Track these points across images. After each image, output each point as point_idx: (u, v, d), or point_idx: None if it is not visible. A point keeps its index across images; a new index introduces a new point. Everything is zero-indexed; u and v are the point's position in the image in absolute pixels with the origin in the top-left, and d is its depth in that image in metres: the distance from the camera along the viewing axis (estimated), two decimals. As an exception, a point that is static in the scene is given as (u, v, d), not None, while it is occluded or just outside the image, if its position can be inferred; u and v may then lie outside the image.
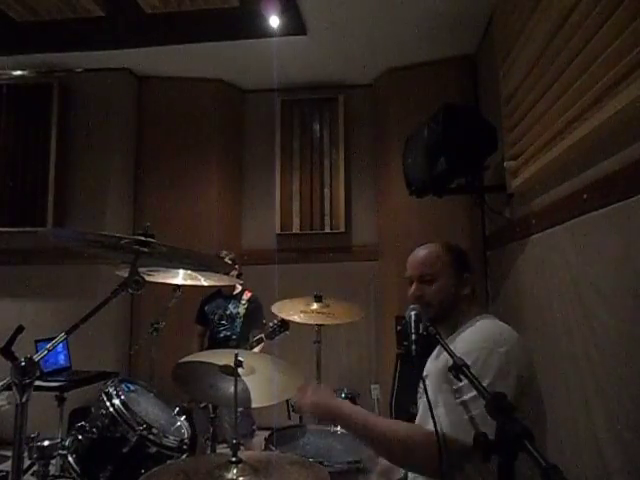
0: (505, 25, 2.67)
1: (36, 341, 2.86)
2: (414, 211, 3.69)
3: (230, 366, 1.59)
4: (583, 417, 1.83)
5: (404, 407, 2.85)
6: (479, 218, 3.62)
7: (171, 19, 3.41)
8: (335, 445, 1.88)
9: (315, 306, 2.71)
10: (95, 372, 3.28)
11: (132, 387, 1.95)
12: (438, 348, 1.40)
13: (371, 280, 4.12)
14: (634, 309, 1.50)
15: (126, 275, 1.23)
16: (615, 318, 1.61)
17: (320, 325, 3.04)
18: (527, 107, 2.33)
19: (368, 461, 1.64)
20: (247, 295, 3.30)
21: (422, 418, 1.33)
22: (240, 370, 1.55)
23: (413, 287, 1.37)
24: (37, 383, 1.01)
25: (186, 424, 1.93)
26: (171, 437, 1.76)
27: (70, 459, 1.68)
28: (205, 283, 2.45)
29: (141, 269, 1.27)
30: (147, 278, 1.28)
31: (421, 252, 1.41)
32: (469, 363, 1.04)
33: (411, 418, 1.45)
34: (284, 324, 2.63)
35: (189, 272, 2.26)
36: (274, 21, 3.32)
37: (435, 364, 1.32)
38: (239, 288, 3.33)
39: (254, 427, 2.99)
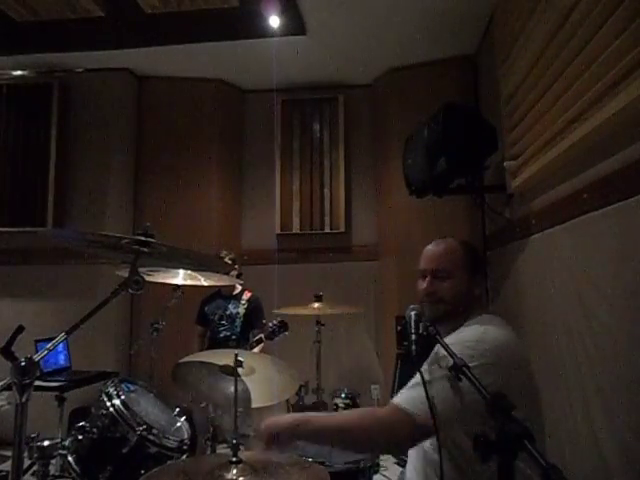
0: (505, 25, 2.67)
1: (36, 341, 2.87)
2: (414, 211, 3.69)
3: (230, 366, 1.59)
4: (583, 417, 1.83)
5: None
6: (479, 218, 3.62)
7: (171, 19, 3.41)
8: (335, 445, 1.87)
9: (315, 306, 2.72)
10: (95, 372, 3.28)
11: (132, 387, 1.95)
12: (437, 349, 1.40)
13: (371, 280, 4.13)
14: (634, 309, 1.50)
15: (126, 275, 1.23)
16: (615, 318, 1.61)
17: (321, 325, 3.05)
18: (527, 107, 2.33)
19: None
20: (247, 295, 3.31)
21: None
22: (240, 370, 1.55)
23: (426, 281, 1.33)
24: (37, 383, 1.01)
25: (186, 424, 1.93)
26: (171, 437, 1.77)
27: (70, 459, 1.68)
28: (205, 283, 2.46)
29: (141, 269, 1.27)
30: (147, 278, 1.28)
31: (439, 247, 1.37)
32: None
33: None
34: (284, 325, 2.63)
35: (189, 272, 2.26)
36: (274, 21, 3.32)
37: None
38: (239, 288, 3.34)
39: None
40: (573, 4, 1.78)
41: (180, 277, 2.31)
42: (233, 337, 3.20)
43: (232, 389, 1.50)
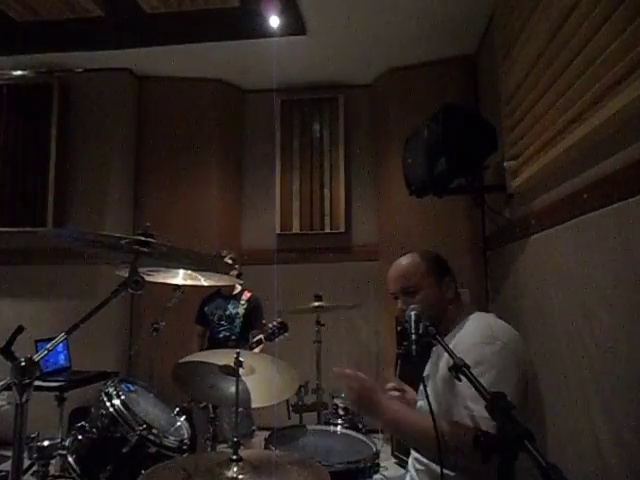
0: (505, 25, 2.67)
1: (36, 341, 2.87)
2: (414, 211, 3.69)
3: (230, 366, 1.59)
4: (583, 417, 1.83)
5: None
6: (479, 218, 3.62)
7: (171, 19, 3.41)
8: (335, 445, 1.88)
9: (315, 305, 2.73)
10: (95, 372, 3.28)
11: (132, 387, 1.95)
12: (437, 350, 1.40)
13: (371, 280, 4.13)
14: (634, 309, 1.50)
15: (126, 275, 1.23)
16: (615, 318, 1.61)
17: (320, 325, 3.05)
18: (527, 107, 2.33)
19: None
20: (247, 295, 3.30)
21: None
22: (240, 370, 1.55)
23: (399, 302, 1.38)
24: (37, 383, 1.01)
25: (186, 424, 1.93)
26: (171, 437, 1.77)
27: (70, 459, 1.68)
28: (205, 283, 2.45)
29: (141, 269, 1.27)
30: (147, 278, 1.28)
31: (398, 266, 1.41)
32: (473, 363, 1.06)
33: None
34: (283, 326, 2.63)
35: (189, 272, 2.26)
36: (274, 21, 3.32)
37: (438, 368, 1.31)
38: (239, 288, 3.33)
39: (254, 427, 2.99)
40: (573, 4, 1.78)
41: (180, 277, 2.30)
42: (233, 337, 3.19)
43: (232, 389, 1.50)
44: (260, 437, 2.80)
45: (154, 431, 1.71)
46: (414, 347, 1.10)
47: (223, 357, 1.72)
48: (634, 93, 1.41)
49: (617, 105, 1.50)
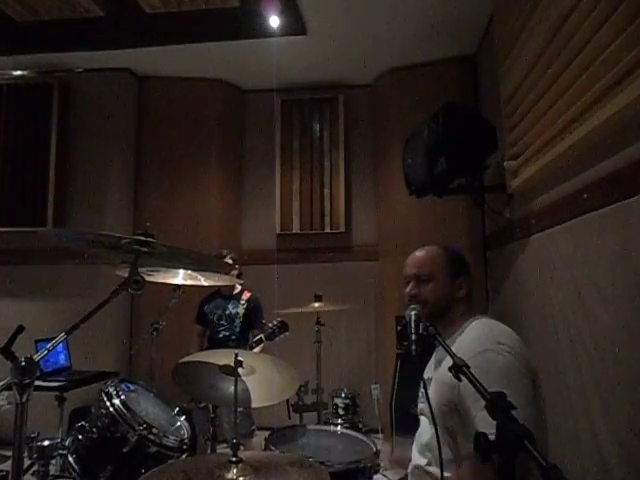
0: (505, 25, 2.67)
1: (36, 341, 2.86)
2: (414, 211, 3.69)
3: (230, 366, 1.59)
4: (583, 417, 1.83)
5: (404, 407, 2.85)
6: (479, 218, 3.62)
7: (171, 19, 3.41)
8: (335, 445, 1.88)
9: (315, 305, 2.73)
10: (95, 372, 3.29)
11: (132, 387, 1.95)
12: (438, 353, 1.40)
13: (371, 281, 4.13)
14: (634, 309, 1.50)
15: (126, 275, 1.23)
16: (615, 318, 1.61)
17: (320, 325, 3.05)
18: (527, 107, 2.33)
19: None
20: (246, 295, 3.30)
21: (425, 425, 1.34)
22: (240, 370, 1.55)
23: (410, 285, 1.40)
24: (37, 383, 1.01)
25: (186, 424, 1.93)
26: (171, 437, 1.76)
27: (70, 459, 1.68)
28: (205, 283, 2.45)
29: (141, 269, 1.27)
30: (147, 278, 1.28)
31: (419, 253, 1.44)
32: (479, 372, 1.06)
33: (410, 418, 1.45)
34: (283, 325, 2.63)
35: (189, 272, 2.26)
36: (274, 21, 3.32)
37: (440, 371, 1.31)
38: (238, 288, 3.33)
39: (253, 427, 2.99)
40: (573, 4, 1.78)
41: (180, 277, 2.31)
42: (232, 337, 3.19)
43: (232, 389, 1.50)
44: (260, 437, 2.80)
45: (154, 431, 1.71)
46: (414, 347, 1.10)
47: (223, 357, 1.72)
48: (634, 93, 1.41)
49: (617, 105, 1.50)
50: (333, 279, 4.06)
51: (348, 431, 2.02)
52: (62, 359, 3.33)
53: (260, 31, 3.45)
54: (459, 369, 0.95)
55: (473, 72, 3.86)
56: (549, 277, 2.19)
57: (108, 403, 1.73)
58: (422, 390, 1.33)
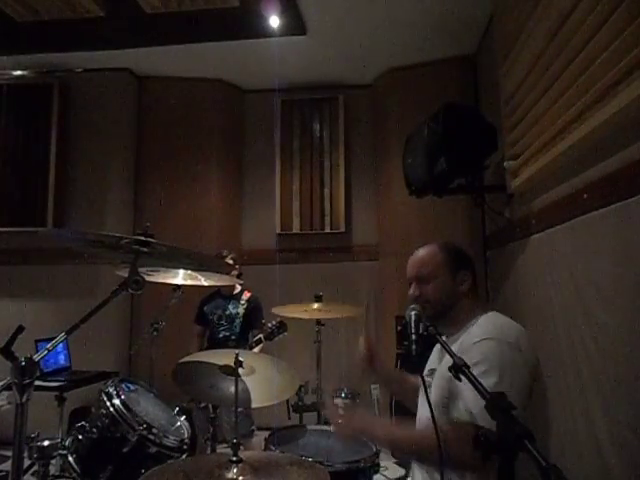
0: (505, 25, 2.67)
1: (36, 341, 2.87)
2: (414, 211, 3.69)
3: (230, 366, 1.59)
4: (583, 417, 1.83)
5: (404, 407, 2.84)
6: (479, 218, 3.62)
7: (171, 19, 3.41)
8: (335, 445, 1.88)
9: (315, 306, 2.72)
10: (95, 372, 3.29)
11: (132, 387, 1.95)
12: (440, 349, 1.40)
13: (371, 280, 4.12)
14: (634, 309, 1.50)
15: (126, 275, 1.23)
16: (615, 318, 1.61)
17: (320, 325, 3.05)
18: (527, 107, 2.33)
19: None
20: (246, 295, 3.30)
21: (422, 416, 1.34)
22: (240, 370, 1.55)
23: (412, 287, 1.41)
24: (37, 383, 1.01)
25: (186, 424, 1.93)
26: (171, 437, 1.76)
27: (70, 459, 1.68)
28: (205, 283, 2.46)
29: (141, 269, 1.27)
30: (147, 278, 1.28)
31: (417, 254, 1.45)
32: (478, 358, 1.10)
33: (410, 417, 1.45)
34: (283, 325, 2.63)
35: (189, 272, 2.26)
36: (274, 21, 3.32)
37: (442, 365, 1.31)
38: (238, 288, 3.33)
39: (253, 427, 2.99)
40: (573, 4, 1.78)
41: (180, 277, 2.31)
42: (232, 337, 3.19)
43: (232, 389, 1.51)
44: (260, 437, 2.80)
45: (154, 431, 1.71)
46: (414, 347, 1.10)
47: (223, 357, 1.72)
48: (634, 93, 1.41)
49: (617, 105, 1.50)
50: (333, 279, 4.06)
51: (348, 431, 2.01)
52: (62, 359, 3.33)
53: (260, 31, 3.45)
54: (459, 369, 0.95)
55: (473, 72, 3.86)
56: (549, 277, 2.19)
57: (108, 403, 1.73)
58: (421, 387, 1.33)
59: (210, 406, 2.00)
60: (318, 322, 3.05)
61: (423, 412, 1.39)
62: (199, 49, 3.74)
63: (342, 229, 4.21)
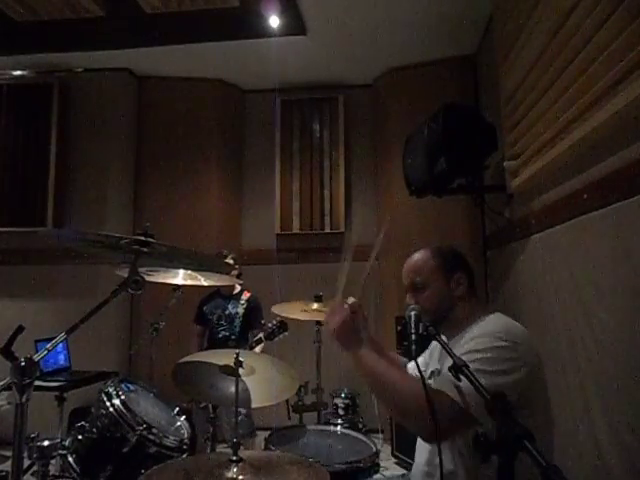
0: (505, 25, 2.67)
1: (36, 341, 2.86)
2: (414, 211, 3.69)
3: (230, 366, 1.59)
4: (583, 417, 1.83)
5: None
6: (479, 218, 3.62)
7: (171, 19, 3.41)
8: (335, 445, 1.88)
9: (315, 306, 2.72)
10: (95, 372, 3.28)
11: (132, 387, 1.95)
12: (440, 349, 1.40)
13: (371, 280, 4.12)
14: (634, 309, 1.50)
15: (126, 275, 1.23)
16: (615, 318, 1.61)
17: (320, 325, 3.04)
18: (527, 107, 2.33)
19: None
20: (246, 295, 3.30)
21: None
22: (240, 370, 1.55)
23: (407, 296, 1.39)
24: (37, 383, 1.01)
25: (186, 424, 1.93)
26: (171, 437, 1.76)
27: (70, 459, 1.68)
28: (205, 283, 2.45)
29: (141, 269, 1.27)
30: (147, 278, 1.28)
31: (410, 261, 1.43)
32: (479, 347, 1.11)
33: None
34: (283, 325, 2.63)
35: (189, 272, 2.26)
36: (274, 21, 3.32)
37: (443, 364, 1.31)
38: (238, 288, 3.33)
39: (253, 427, 2.99)
40: (573, 4, 1.78)
41: (180, 277, 2.31)
42: (232, 337, 3.19)
43: (232, 389, 1.50)
44: (260, 437, 2.80)
45: (154, 431, 1.71)
46: (414, 347, 1.10)
47: (223, 357, 1.72)
48: (634, 93, 1.41)
49: (617, 105, 1.50)
50: (333, 279, 4.04)
51: (348, 431, 2.01)
52: (62, 359, 3.32)
53: (260, 31, 3.45)
54: (459, 369, 0.95)
55: (473, 72, 3.86)
56: (549, 277, 2.19)
57: (108, 403, 1.73)
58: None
59: (210, 406, 2.00)
60: (318, 322, 3.04)
61: None
62: (199, 49, 3.74)
63: (342, 229, 4.20)
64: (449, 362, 1.23)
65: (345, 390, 3.54)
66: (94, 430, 1.72)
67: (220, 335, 3.21)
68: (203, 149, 4.23)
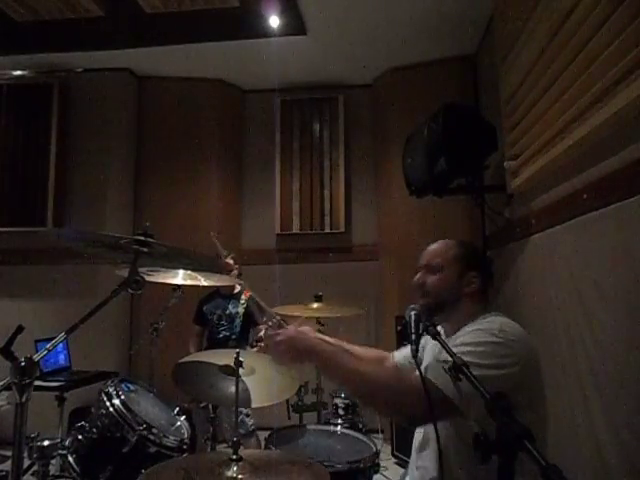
0: (505, 25, 2.67)
1: (36, 341, 2.86)
2: (414, 211, 3.69)
3: (230, 366, 1.59)
4: (583, 417, 1.83)
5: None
6: (479, 218, 3.61)
7: (171, 19, 3.41)
8: (335, 445, 1.88)
9: (315, 306, 2.72)
10: (95, 372, 3.28)
11: (132, 387, 1.95)
12: (432, 346, 1.41)
13: (371, 280, 4.12)
14: (634, 309, 1.50)
15: (126, 275, 1.23)
16: (615, 318, 1.61)
17: (320, 325, 3.04)
18: (527, 107, 2.33)
19: None
20: (246, 294, 3.30)
21: None
22: (240, 370, 1.55)
23: (418, 275, 1.40)
24: (37, 383, 1.01)
25: (186, 424, 1.93)
26: (171, 437, 1.76)
27: (70, 459, 1.68)
28: (205, 283, 2.45)
29: (141, 269, 1.27)
30: (147, 278, 1.28)
31: (435, 244, 1.44)
32: (472, 340, 1.12)
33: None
34: (285, 322, 2.62)
35: (189, 272, 2.26)
36: (274, 21, 3.32)
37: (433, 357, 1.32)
38: (238, 287, 3.33)
39: (253, 427, 2.98)
40: (573, 4, 1.78)
41: (180, 277, 2.31)
42: (233, 337, 3.19)
43: (232, 389, 1.51)
44: (260, 437, 2.80)
45: (154, 431, 1.71)
46: (414, 347, 1.10)
47: (223, 357, 1.72)
48: (634, 93, 1.41)
49: (617, 105, 1.50)
50: (333, 279, 4.06)
51: (348, 431, 2.01)
52: (62, 359, 3.32)
53: (260, 31, 3.45)
54: (459, 369, 0.95)
55: (473, 72, 3.86)
56: (549, 277, 2.19)
57: (108, 403, 1.73)
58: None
59: (210, 406, 2.00)
60: (318, 322, 3.04)
61: None
62: (199, 49, 3.74)
63: (342, 229, 4.21)
64: (436, 354, 1.23)
65: (345, 390, 3.53)
66: (94, 430, 1.72)
67: (220, 335, 3.21)
68: (203, 149, 4.23)
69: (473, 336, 1.18)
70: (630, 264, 1.52)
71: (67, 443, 1.71)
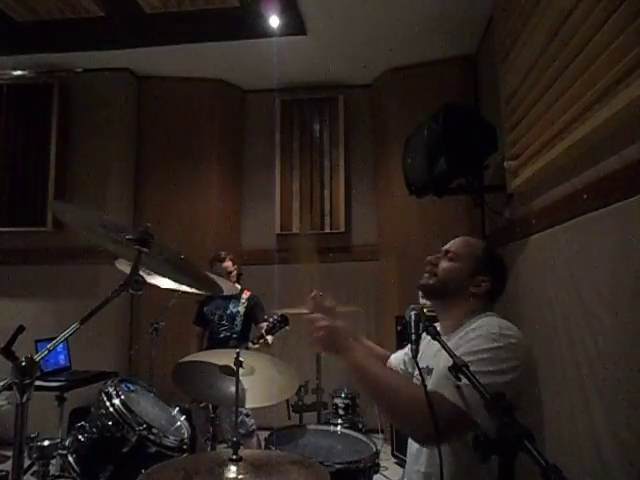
0: (505, 25, 2.67)
1: (36, 341, 2.87)
2: (414, 211, 3.69)
3: (230, 366, 1.59)
4: (582, 416, 1.83)
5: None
6: (479, 218, 3.62)
7: (171, 19, 3.41)
8: (335, 445, 1.88)
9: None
10: (95, 372, 3.28)
11: (132, 387, 1.95)
12: (433, 346, 1.41)
13: (371, 280, 4.12)
14: (633, 309, 1.50)
15: (127, 271, 1.23)
16: (615, 318, 1.61)
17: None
18: (527, 107, 2.33)
19: None
20: (246, 294, 3.30)
21: None
22: (240, 370, 1.55)
23: (432, 257, 1.43)
24: (37, 383, 1.01)
25: (186, 424, 1.93)
26: (171, 437, 1.76)
27: (70, 459, 1.68)
28: (203, 292, 2.43)
29: (141, 269, 1.26)
30: (147, 279, 1.28)
31: (465, 237, 1.47)
32: (475, 349, 1.12)
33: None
34: (284, 319, 2.62)
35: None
36: (274, 21, 3.32)
37: (437, 362, 1.32)
38: (238, 287, 3.33)
39: (253, 427, 2.99)
40: (573, 4, 1.78)
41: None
42: (234, 336, 3.18)
43: (232, 389, 1.51)
44: (260, 437, 2.80)
45: (154, 431, 1.71)
46: (414, 347, 1.10)
47: (223, 357, 1.72)
48: (634, 93, 1.41)
49: (617, 105, 1.50)
50: (333, 279, 4.06)
51: (348, 431, 2.01)
52: (62, 359, 3.32)
53: (260, 31, 3.45)
54: (459, 369, 0.95)
55: (473, 72, 3.86)
56: (549, 277, 2.19)
57: (108, 403, 1.73)
58: (417, 376, 1.33)
59: (210, 406, 2.00)
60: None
61: None
62: (199, 49, 3.75)
63: (342, 229, 4.21)
64: (445, 360, 1.23)
65: (345, 390, 3.54)
66: (94, 430, 1.72)
67: (221, 335, 3.21)
68: (203, 149, 4.23)
69: (474, 344, 1.17)
70: (630, 264, 1.52)
71: (67, 443, 1.71)
